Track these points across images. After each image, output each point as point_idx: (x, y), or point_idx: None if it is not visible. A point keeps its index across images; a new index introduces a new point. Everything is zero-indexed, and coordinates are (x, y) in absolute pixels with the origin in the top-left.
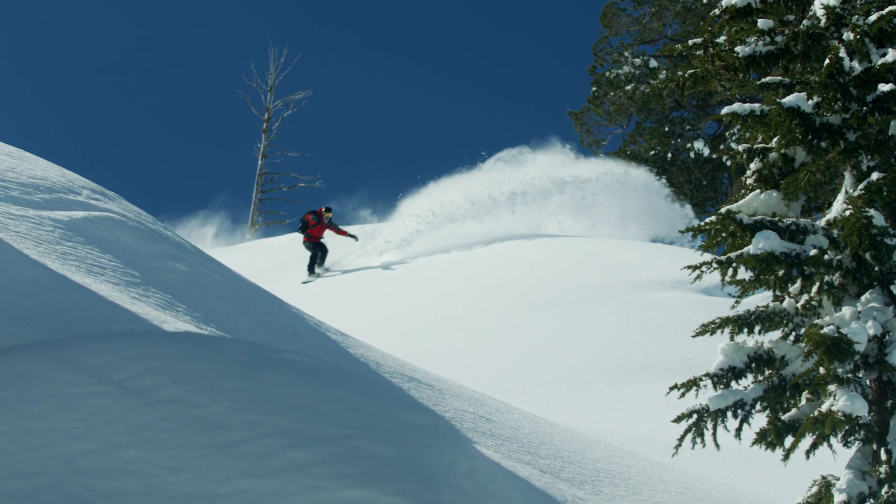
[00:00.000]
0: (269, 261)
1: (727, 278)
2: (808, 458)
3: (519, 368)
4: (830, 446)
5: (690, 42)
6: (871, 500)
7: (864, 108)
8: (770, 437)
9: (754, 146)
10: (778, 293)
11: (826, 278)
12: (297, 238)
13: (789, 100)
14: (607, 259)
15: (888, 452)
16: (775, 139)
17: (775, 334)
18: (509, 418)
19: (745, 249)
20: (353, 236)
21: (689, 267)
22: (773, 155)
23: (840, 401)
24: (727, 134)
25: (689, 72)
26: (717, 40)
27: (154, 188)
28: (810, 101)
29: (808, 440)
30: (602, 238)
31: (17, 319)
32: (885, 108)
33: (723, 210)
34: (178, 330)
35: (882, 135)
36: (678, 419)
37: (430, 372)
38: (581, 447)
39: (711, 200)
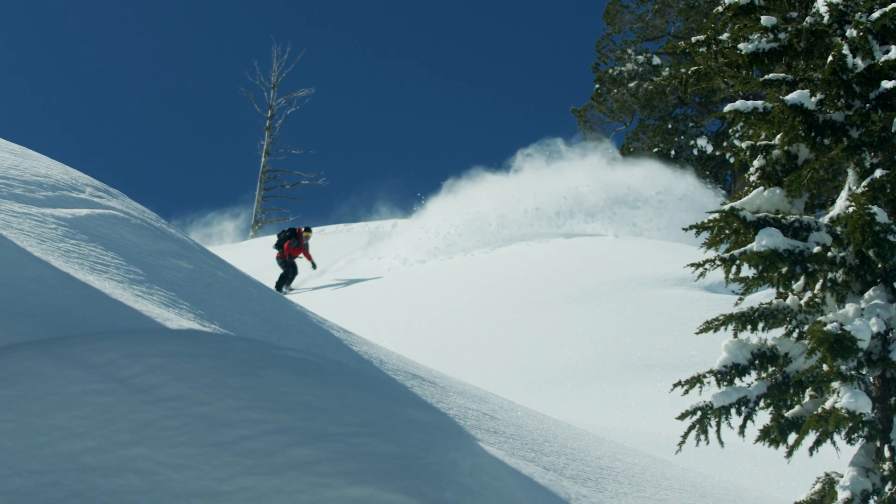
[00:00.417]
0: (272, 258)
1: (730, 275)
2: (811, 455)
3: (522, 366)
4: (834, 443)
5: (693, 39)
6: (875, 497)
7: (868, 105)
8: (773, 435)
9: (757, 143)
10: (781, 290)
11: (829, 275)
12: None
13: (792, 97)
14: (610, 256)
15: (892, 449)
16: (778, 136)
17: (779, 331)
18: (513, 415)
19: (749, 246)
20: (314, 264)
21: (692, 264)
22: (776, 152)
23: (843, 398)
24: (730, 131)
25: (693, 69)
26: (721, 37)
27: (157, 186)
28: (813, 99)
29: (811, 437)
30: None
31: (20, 317)
32: (888, 105)
33: (726, 207)
34: (182, 327)
35: (885, 132)
36: (682, 416)
37: (433, 369)
38: (584, 444)
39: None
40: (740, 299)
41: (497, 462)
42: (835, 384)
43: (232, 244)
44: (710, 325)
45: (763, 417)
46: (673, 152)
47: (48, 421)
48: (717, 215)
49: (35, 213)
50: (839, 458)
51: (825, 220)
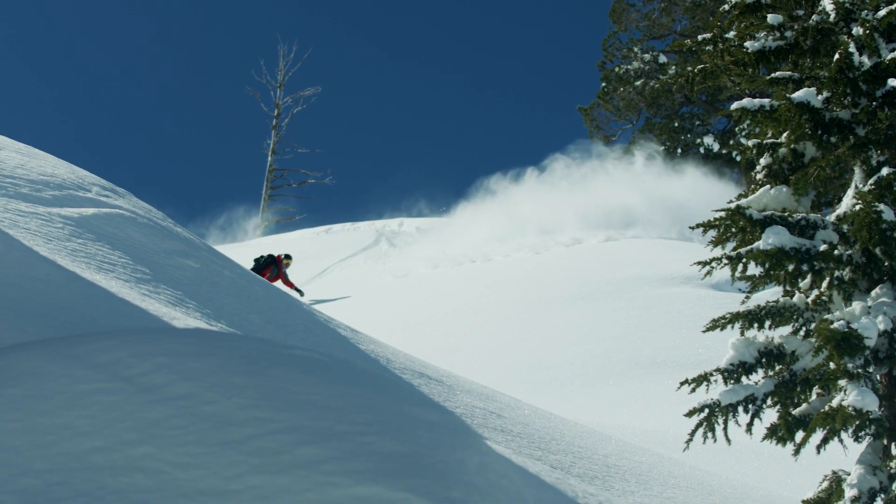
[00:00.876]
0: None
1: (737, 274)
2: (818, 453)
3: (529, 364)
4: (841, 441)
5: (700, 37)
6: (882, 495)
7: (874, 102)
8: (781, 432)
9: (764, 141)
10: (788, 288)
11: (836, 273)
12: (308, 234)
13: (799, 95)
14: (617, 255)
15: None
16: (785, 134)
17: (786, 329)
18: (520, 414)
19: (755, 245)
20: (299, 291)
21: (699, 262)
22: (782, 150)
23: (850, 396)
24: (737, 129)
25: (699, 67)
26: (727, 36)
27: (163, 185)
28: (820, 97)
29: (818, 435)
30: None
31: (27, 316)
32: (894, 103)
33: (733, 205)
34: (189, 326)
35: (892, 130)
36: (689, 414)
37: (440, 368)
38: (592, 443)
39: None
40: (747, 297)
41: (504, 460)
42: (842, 382)
43: (238, 243)
44: (717, 324)
45: (770, 415)
46: (679, 151)
47: (55, 420)
48: (723, 213)
49: (41, 213)
50: (846, 455)
51: (832, 218)
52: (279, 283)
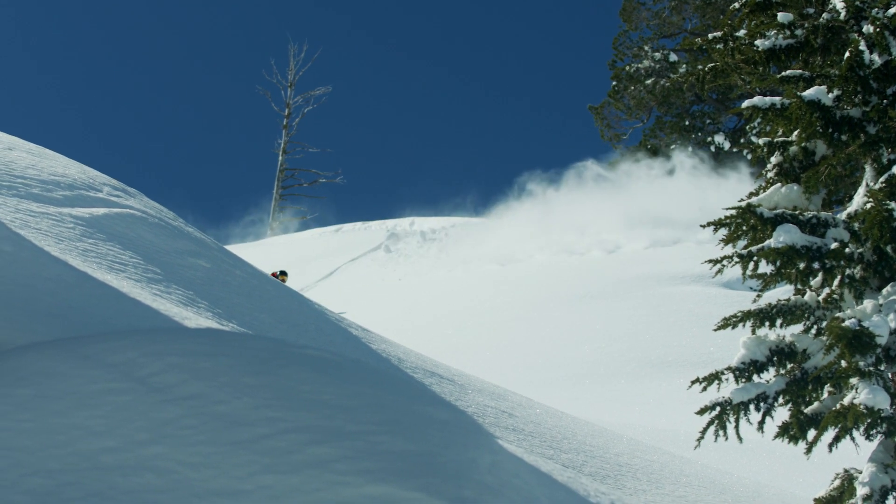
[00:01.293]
0: (289, 256)
1: (748, 272)
2: (830, 451)
3: (540, 363)
4: (853, 439)
5: (710, 36)
6: (894, 493)
7: (885, 101)
8: (793, 431)
9: (775, 140)
10: (799, 287)
11: (847, 271)
12: (319, 233)
13: (809, 93)
14: (628, 254)
15: None
16: (796, 132)
17: (797, 328)
18: (531, 413)
19: (767, 243)
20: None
21: (710, 261)
22: (793, 148)
23: (862, 394)
24: (748, 127)
25: (710, 65)
26: (737, 34)
27: (174, 185)
28: (830, 95)
29: (830, 433)
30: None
31: (38, 316)
32: None
33: (743, 204)
34: (200, 326)
35: None
36: (701, 412)
37: (451, 367)
38: (603, 442)
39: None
40: (759, 296)
41: (516, 459)
42: (853, 380)
43: (249, 242)
44: (728, 322)
45: (782, 414)
46: (690, 149)
47: (67, 420)
48: (734, 212)
49: (53, 213)
50: (858, 454)
51: (843, 216)
52: None
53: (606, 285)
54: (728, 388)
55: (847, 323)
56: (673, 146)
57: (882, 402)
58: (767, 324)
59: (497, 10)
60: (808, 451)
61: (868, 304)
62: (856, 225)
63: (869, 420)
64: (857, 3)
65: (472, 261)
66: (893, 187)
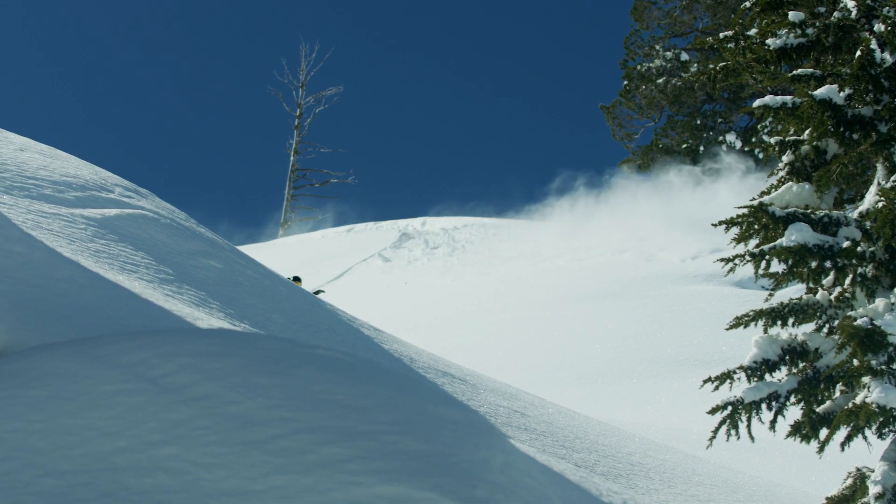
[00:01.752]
0: (301, 257)
1: (760, 271)
2: (842, 450)
3: (552, 362)
4: (865, 438)
5: (722, 35)
6: None
7: None
8: (805, 430)
9: (786, 138)
10: (811, 285)
11: (859, 270)
12: (331, 234)
13: (821, 92)
14: (640, 253)
15: None
16: (807, 131)
17: (809, 326)
18: (544, 413)
19: (778, 242)
20: (318, 292)
21: (722, 260)
22: (805, 147)
23: (874, 392)
24: (759, 126)
25: (721, 64)
26: (749, 33)
27: (185, 185)
28: (842, 93)
29: (842, 432)
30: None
31: (50, 317)
32: None
33: (755, 203)
34: (212, 327)
35: None
36: (713, 411)
37: (464, 367)
38: (615, 441)
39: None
40: (770, 295)
41: (528, 459)
42: (865, 379)
43: (261, 243)
44: (741, 321)
45: (794, 413)
46: (702, 148)
47: (79, 421)
48: (746, 211)
49: (65, 214)
50: (870, 452)
51: (854, 214)
52: None
53: (618, 285)
54: (740, 387)
55: (859, 322)
56: (684, 145)
57: (894, 400)
58: (779, 323)
59: (505, 11)
60: (821, 449)
61: (880, 302)
62: (867, 223)
63: (881, 419)
64: (869, 1)
65: (483, 261)
66: None
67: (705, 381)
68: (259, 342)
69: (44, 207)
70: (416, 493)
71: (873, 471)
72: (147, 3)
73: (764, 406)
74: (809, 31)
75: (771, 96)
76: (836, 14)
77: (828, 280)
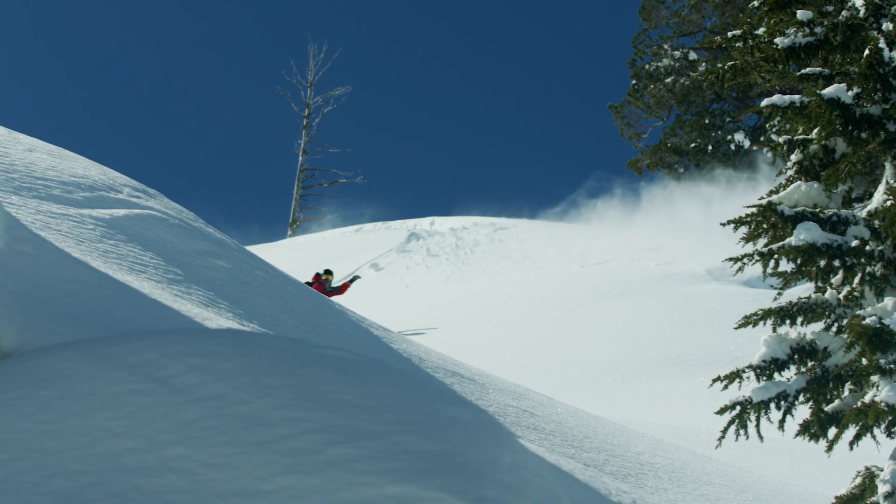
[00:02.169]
0: (310, 257)
1: (769, 270)
2: (851, 449)
3: (561, 362)
4: (874, 437)
5: (730, 34)
6: None
7: None
8: (813, 429)
9: (795, 138)
10: (820, 284)
11: (868, 269)
12: (339, 234)
13: (829, 91)
14: (649, 251)
15: None
16: (815, 130)
17: (818, 325)
18: (552, 412)
19: (787, 241)
20: (354, 278)
21: (730, 259)
22: (813, 146)
23: (883, 391)
24: (767, 126)
25: (729, 64)
26: (757, 32)
27: (194, 185)
28: (850, 92)
29: (851, 431)
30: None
31: (59, 318)
32: None
33: (764, 202)
34: (221, 327)
35: None
36: (721, 411)
37: (472, 366)
38: (624, 440)
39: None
40: (779, 294)
41: (537, 459)
42: (874, 378)
43: (269, 243)
44: (749, 320)
45: (803, 412)
46: (710, 147)
47: (88, 422)
48: (754, 210)
49: (73, 214)
50: (879, 451)
51: (863, 213)
52: (338, 298)
53: (626, 284)
54: (749, 387)
55: (868, 321)
56: (693, 144)
57: None
58: (788, 322)
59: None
60: (829, 448)
61: (889, 301)
62: (876, 222)
63: (890, 417)
64: (877, 0)
65: (491, 260)
66: None
67: (714, 381)
68: (268, 342)
69: (52, 208)
70: (424, 493)
71: (882, 470)
72: (156, 4)
73: (773, 405)
74: (818, 29)
75: (779, 95)
76: (844, 13)
77: (836, 279)
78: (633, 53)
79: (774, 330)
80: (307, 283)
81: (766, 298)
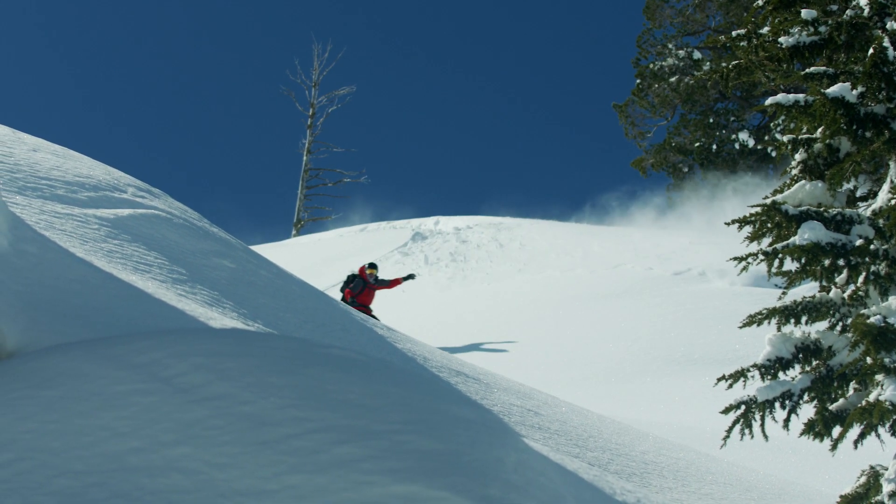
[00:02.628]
0: (314, 256)
1: (773, 269)
2: (855, 448)
3: (565, 361)
4: (878, 436)
5: (734, 33)
6: None
7: None
8: (818, 428)
9: (799, 137)
10: (824, 283)
11: (872, 268)
12: (344, 233)
13: (834, 90)
14: (652, 251)
15: None
16: (820, 129)
17: (822, 325)
18: (557, 411)
19: (791, 240)
20: (408, 277)
21: (735, 258)
22: (817, 145)
23: (887, 390)
24: (772, 125)
25: (733, 63)
26: (761, 31)
27: (198, 185)
28: (854, 91)
29: (855, 430)
30: (647, 229)
31: (63, 318)
32: None
33: (768, 201)
34: (225, 326)
35: None
36: (726, 410)
37: (477, 366)
38: (629, 440)
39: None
40: (784, 293)
41: (542, 458)
42: (879, 377)
43: (274, 243)
44: (754, 319)
45: (807, 411)
46: (714, 147)
47: (93, 421)
48: (759, 209)
49: (77, 214)
50: (884, 450)
51: (867, 212)
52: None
53: (630, 283)
54: (754, 386)
55: (872, 319)
56: (697, 143)
57: None
58: (793, 321)
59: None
60: (834, 447)
61: (893, 300)
62: (880, 221)
63: (894, 416)
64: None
65: (495, 260)
66: None
67: (719, 380)
68: (272, 342)
69: (57, 208)
70: (429, 493)
71: (887, 469)
72: (160, 3)
73: (777, 404)
74: (822, 29)
75: (783, 94)
76: (848, 12)
77: (841, 278)
78: (638, 53)
79: (779, 329)
80: (350, 275)
81: (770, 298)
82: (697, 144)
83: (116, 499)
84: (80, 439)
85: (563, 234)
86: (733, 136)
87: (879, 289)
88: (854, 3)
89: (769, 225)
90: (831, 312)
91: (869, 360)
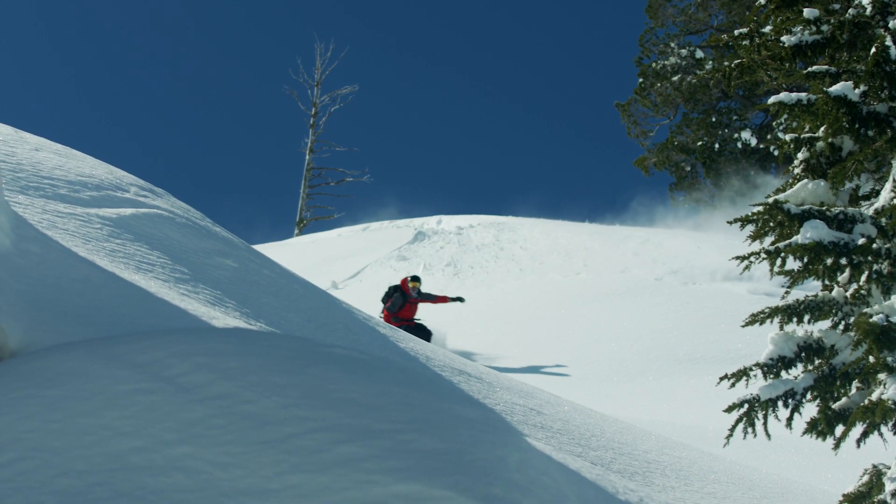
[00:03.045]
0: (317, 256)
1: (776, 268)
2: (858, 447)
3: (568, 361)
4: (881, 435)
5: (736, 32)
6: None
7: None
8: (821, 427)
9: (801, 135)
10: (827, 282)
11: (875, 267)
12: (346, 232)
13: (836, 89)
14: (656, 250)
15: None
16: (822, 128)
17: (825, 323)
18: (560, 411)
19: (794, 239)
20: (457, 299)
21: (737, 257)
22: (820, 144)
23: (890, 389)
24: (774, 124)
25: (736, 62)
26: (763, 30)
27: (200, 184)
28: (857, 90)
29: (858, 429)
30: (650, 228)
31: (66, 317)
32: None
33: (770, 200)
34: (228, 326)
35: None
36: (729, 409)
37: (479, 365)
38: (631, 439)
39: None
40: (786, 292)
41: (544, 457)
42: (881, 376)
43: (276, 242)
44: (756, 318)
45: (810, 410)
46: (717, 146)
47: (95, 421)
48: (761, 208)
49: (80, 213)
50: (886, 449)
51: (870, 211)
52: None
53: (634, 282)
54: (756, 385)
55: (875, 318)
56: (699, 142)
57: None
58: (795, 320)
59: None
60: (836, 446)
61: None
62: (883, 220)
63: None
64: None
65: (498, 259)
66: None
67: (721, 379)
68: (275, 341)
69: (59, 207)
70: (432, 492)
71: (889, 467)
72: (162, 3)
73: (780, 403)
74: (824, 27)
75: (786, 93)
76: (850, 11)
77: (843, 277)
78: (640, 51)
79: (781, 328)
80: (391, 287)
81: (772, 297)
82: (700, 143)
83: (119, 498)
84: (82, 439)
85: (565, 234)
86: (736, 135)
87: (882, 287)
88: (856, 1)
89: (771, 224)
90: (834, 311)
91: (871, 358)
